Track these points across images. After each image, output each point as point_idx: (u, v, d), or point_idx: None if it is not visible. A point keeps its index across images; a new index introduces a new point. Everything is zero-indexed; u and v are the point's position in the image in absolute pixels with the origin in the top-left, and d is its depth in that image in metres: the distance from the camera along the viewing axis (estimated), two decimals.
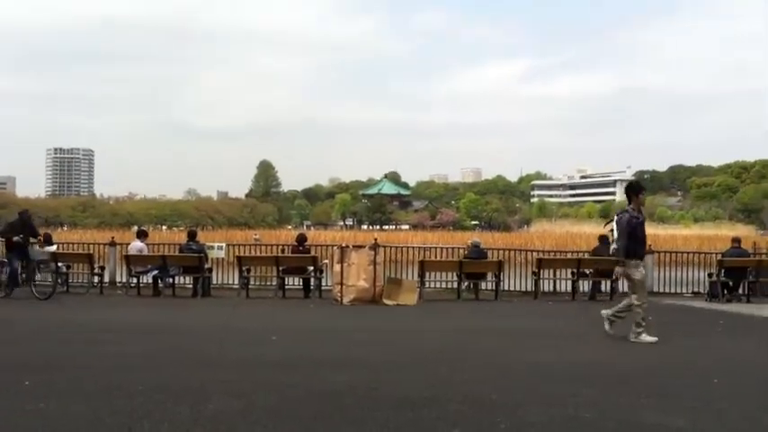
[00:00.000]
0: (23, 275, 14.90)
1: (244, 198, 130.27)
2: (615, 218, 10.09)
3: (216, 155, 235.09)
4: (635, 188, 10.23)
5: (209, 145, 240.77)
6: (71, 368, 7.27)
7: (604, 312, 10.48)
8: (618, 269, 10.15)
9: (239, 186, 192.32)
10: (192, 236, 17.45)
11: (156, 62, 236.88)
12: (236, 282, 17.25)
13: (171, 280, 16.48)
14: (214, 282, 17.46)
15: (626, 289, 11.35)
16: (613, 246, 10.04)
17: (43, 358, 7.83)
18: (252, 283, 16.95)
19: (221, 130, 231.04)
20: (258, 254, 19.26)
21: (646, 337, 9.71)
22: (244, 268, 16.57)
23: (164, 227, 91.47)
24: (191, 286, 16.68)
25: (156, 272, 16.33)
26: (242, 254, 17.89)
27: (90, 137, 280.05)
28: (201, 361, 7.80)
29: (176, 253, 17.31)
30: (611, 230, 10.11)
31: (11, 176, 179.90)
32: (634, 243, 9.77)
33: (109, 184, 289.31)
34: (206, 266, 16.49)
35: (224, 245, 18.39)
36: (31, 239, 15.22)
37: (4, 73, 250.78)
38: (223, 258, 18.19)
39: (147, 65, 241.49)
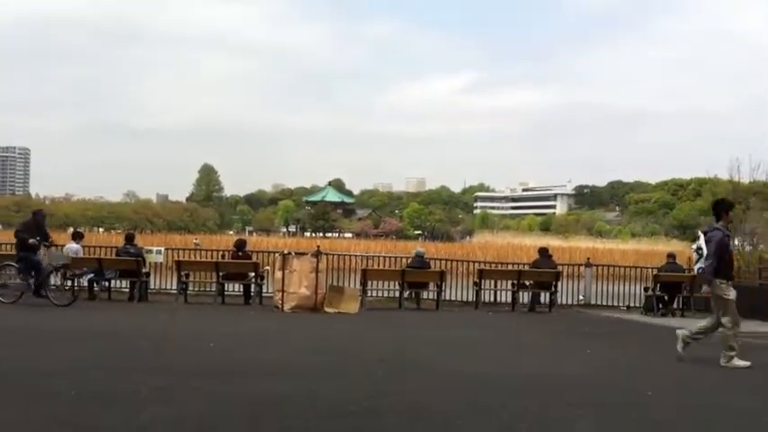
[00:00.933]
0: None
1: (184, 202, 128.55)
2: (703, 235, 9.31)
3: (156, 157, 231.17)
4: (726, 205, 9.48)
5: (150, 147, 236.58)
6: None
7: (680, 332, 9.59)
8: (705, 288, 9.40)
9: (180, 190, 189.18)
10: (129, 239, 17.12)
11: (94, 63, 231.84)
12: (175, 287, 16.94)
13: (107, 284, 16.10)
14: (152, 286, 17.11)
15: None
16: (699, 264, 9.26)
17: None
18: (191, 288, 16.67)
19: (162, 133, 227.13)
20: (198, 259, 18.97)
21: (738, 362, 9.00)
22: (183, 273, 16.28)
23: (101, 229, 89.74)
24: (127, 290, 16.35)
25: (91, 275, 15.93)
26: (181, 258, 17.60)
27: (27, 136, 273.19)
28: (136, 367, 7.62)
29: (113, 256, 16.94)
30: (698, 248, 9.32)
31: None
32: (723, 263, 9.06)
33: (45, 184, 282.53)
34: (144, 270, 16.17)
35: (163, 249, 18.09)
36: (44, 243, 14.54)
37: None
38: (161, 263, 17.87)
39: (86, 65, 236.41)
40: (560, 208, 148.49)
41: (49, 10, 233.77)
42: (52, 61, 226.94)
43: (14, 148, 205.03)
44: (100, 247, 19.84)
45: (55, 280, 14.40)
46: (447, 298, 17.65)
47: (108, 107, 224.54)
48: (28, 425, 5.09)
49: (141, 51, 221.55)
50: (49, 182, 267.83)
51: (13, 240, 15.31)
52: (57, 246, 15.51)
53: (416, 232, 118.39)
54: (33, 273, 14.13)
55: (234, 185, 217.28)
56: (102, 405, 5.71)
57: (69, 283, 15.47)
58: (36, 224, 14.77)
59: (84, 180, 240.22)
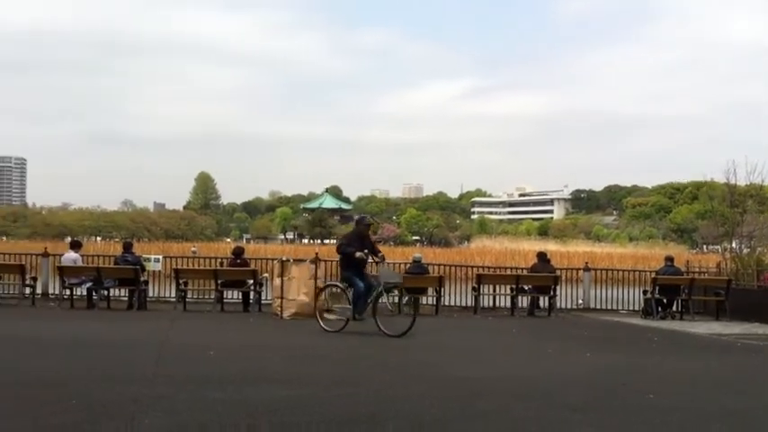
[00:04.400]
0: None
1: (181, 210, 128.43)
2: None
3: (153, 166, 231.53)
4: None
5: (147, 156, 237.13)
6: None
7: None
8: None
9: (177, 198, 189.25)
10: (127, 247, 17.11)
11: (91, 73, 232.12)
12: (173, 295, 16.93)
13: (106, 292, 16.06)
14: (150, 295, 17.11)
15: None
16: None
17: None
18: (189, 296, 16.67)
19: (159, 142, 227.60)
20: (196, 266, 18.97)
21: None
22: (181, 281, 16.28)
23: (98, 238, 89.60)
24: (126, 299, 16.33)
25: (90, 284, 15.91)
26: (179, 266, 17.60)
27: (23, 146, 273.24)
28: (136, 376, 7.60)
29: (111, 265, 16.93)
30: None
31: None
32: None
33: (42, 193, 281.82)
34: (142, 279, 16.15)
35: (161, 257, 18.08)
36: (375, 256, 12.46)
37: None
38: (160, 271, 17.86)
39: (83, 76, 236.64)
40: (558, 212, 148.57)
41: (46, 21, 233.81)
42: (49, 71, 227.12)
43: (11, 157, 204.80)
44: (98, 255, 19.84)
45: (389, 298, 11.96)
46: (446, 303, 17.65)
47: (105, 116, 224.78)
48: None
49: (139, 61, 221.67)
50: (45, 191, 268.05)
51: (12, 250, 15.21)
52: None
53: (414, 238, 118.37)
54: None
55: (231, 193, 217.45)
56: (102, 414, 5.70)
57: (68, 292, 15.48)
58: (359, 235, 12.60)
59: (81, 189, 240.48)
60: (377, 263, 12.43)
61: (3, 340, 10.50)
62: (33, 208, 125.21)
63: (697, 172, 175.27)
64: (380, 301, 11.81)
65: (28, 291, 16.30)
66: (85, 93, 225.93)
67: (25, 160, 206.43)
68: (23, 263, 17.48)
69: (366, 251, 12.01)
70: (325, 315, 12.54)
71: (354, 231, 12.77)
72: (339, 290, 12.61)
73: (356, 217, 13.68)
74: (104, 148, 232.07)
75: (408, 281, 16.79)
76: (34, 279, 16.80)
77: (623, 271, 21.41)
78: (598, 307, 18.60)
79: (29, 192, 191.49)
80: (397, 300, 12.54)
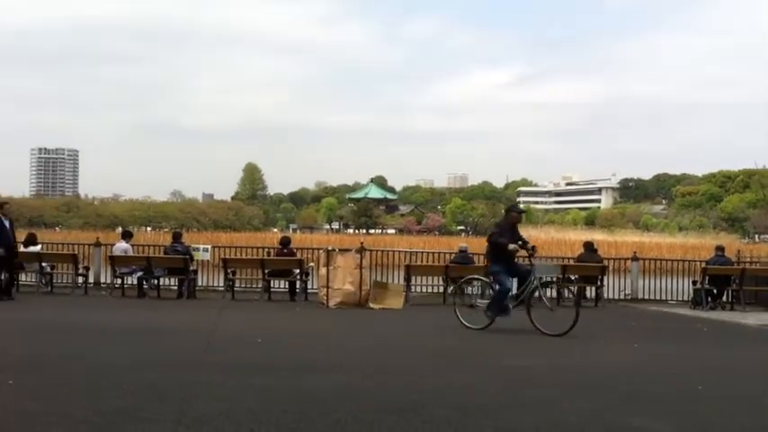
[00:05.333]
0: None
1: (229, 201, 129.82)
2: None
3: (202, 157, 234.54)
4: None
5: (195, 147, 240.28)
6: (54, 368, 7.22)
7: None
8: None
9: (225, 189, 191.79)
10: (177, 237, 17.39)
11: (141, 65, 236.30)
12: (222, 284, 17.18)
13: (156, 281, 16.38)
14: (199, 284, 17.40)
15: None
16: None
17: (27, 359, 7.75)
18: (237, 285, 16.90)
19: (207, 133, 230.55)
20: (244, 256, 19.21)
21: None
22: (229, 270, 16.51)
23: (148, 228, 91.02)
24: (176, 288, 16.61)
25: (140, 273, 16.23)
26: (227, 256, 17.85)
27: (75, 137, 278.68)
28: (186, 363, 7.76)
29: (161, 254, 17.22)
30: None
31: None
32: None
33: (94, 184, 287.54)
34: (191, 268, 16.41)
35: (209, 247, 18.32)
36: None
37: None
38: (208, 260, 18.11)
39: (133, 68, 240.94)
40: (605, 202, 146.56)
41: (96, 14, 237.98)
42: (100, 64, 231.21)
43: (63, 149, 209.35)
44: (148, 245, 20.18)
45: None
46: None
47: (155, 108, 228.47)
48: (85, 419, 5.23)
49: (187, 52, 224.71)
50: (97, 183, 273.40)
51: (65, 240, 15.50)
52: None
53: (459, 228, 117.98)
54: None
55: (277, 184, 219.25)
56: (155, 399, 5.84)
57: (119, 281, 15.77)
58: (511, 224, 11.65)
59: (131, 180, 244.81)
60: (530, 256, 11.40)
61: (58, 328, 10.79)
62: (85, 199, 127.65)
63: (748, 160, 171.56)
64: (535, 296, 10.97)
65: (81, 280, 16.69)
66: (135, 85, 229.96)
67: (77, 152, 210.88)
68: (76, 252, 17.90)
69: (520, 242, 11.17)
70: (467, 310, 11.64)
71: (506, 220, 11.75)
72: (483, 284, 11.99)
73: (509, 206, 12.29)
74: (154, 140, 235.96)
75: (454, 270, 16.82)
76: (86, 268, 17.21)
77: (672, 261, 21.06)
78: (646, 297, 18.36)
79: (81, 183, 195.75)
80: (553, 294, 11.49)
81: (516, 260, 11.40)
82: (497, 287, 11.16)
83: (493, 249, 11.32)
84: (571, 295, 11.35)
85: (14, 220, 15.52)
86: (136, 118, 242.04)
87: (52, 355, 8.12)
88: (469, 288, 12.52)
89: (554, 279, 11.53)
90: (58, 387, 6.22)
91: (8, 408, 5.45)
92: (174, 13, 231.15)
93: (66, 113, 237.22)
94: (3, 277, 14.17)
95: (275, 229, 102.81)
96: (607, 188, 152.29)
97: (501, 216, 11.35)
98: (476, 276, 13.07)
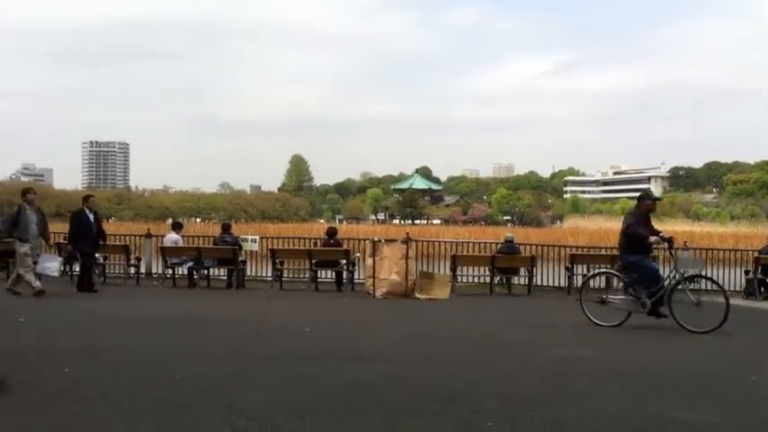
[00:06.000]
0: None
1: (276, 192, 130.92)
2: None
3: (249, 149, 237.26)
4: None
5: (243, 139, 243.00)
6: (109, 357, 7.40)
7: None
8: None
9: (272, 180, 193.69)
10: (226, 228, 17.59)
11: (191, 60, 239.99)
12: (270, 274, 17.37)
13: (206, 272, 16.64)
14: (248, 274, 17.61)
15: None
16: None
17: (80, 348, 7.95)
18: (285, 275, 17.07)
19: (254, 125, 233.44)
20: (291, 247, 19.38)
21: None
22: (277, 261, 16.69)
23: (198, 219, 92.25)
24: (225, 278, 16.85)
25: (191, 263, 16.50)
26: (275, 247, 18.03)
27: (126, 131, 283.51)
28: (235, 352, 7.88)
29: (211, 245, 17.47)
30: None
31: (48, 169, 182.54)
32: None
33: (144, 177, 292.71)
34: (240, 259, 16.62)
35: (257, 237, 18.50)
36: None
37: (43, 70, 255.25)
38: (256, 251, 18.30)
39: (183, 63, 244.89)
40: (655, 191, 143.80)
41: (145, 11, 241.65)
42: (150, 59, 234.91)
43: (114, 143, 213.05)
44: (198, 236, 20.49)
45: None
46: (538, 283, 17.50)
47: (203, 102, 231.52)
48: (137, 408, 5.37)
49: (232, 47, 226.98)
50: (147, 175, 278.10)
51: (117, 231, 15.73)
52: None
53: (505, 218, 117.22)
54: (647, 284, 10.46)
55: (323, 175, 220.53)
56: (204, 388, 5.95)
57: (170, 272, 16.02)
58: (646, 214, 10.91)
59: (180, 173, 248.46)
60: (670, 249, 10.74)
61: (110, 318, 11.03)
62: (136, 191, 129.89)
63: None
64: (678, 291, 10.30)
65: (132, 270, 17.03)
66: (185, 79, 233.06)
67: (128, 145, 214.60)
68: (128, 243, 18.25)
69: (660, 235, 10.51)
70: (596, 306, 10.91)
71: (639, 209, 10.92)
72: (615, 278, 11.44)
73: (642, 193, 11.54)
74: (202, 133, 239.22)
75: (500, 260, 16.76)
76: (138, 259, 17.53)
77: (724, 250, 20.67)
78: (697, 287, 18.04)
79: (132, 175, 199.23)
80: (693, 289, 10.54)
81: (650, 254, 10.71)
82: (645, 276, 10.44)
83: (628, 241, 10.57)
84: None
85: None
86: (185, 112, 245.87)
87: (104, 344, 8.31)
88: (604, 282, 11.66)
89: (699, 273, 10.83)
90: (111, 376, 6.38)
91: (65, 395, 5.62)
92: (217, 10, 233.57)
93: (117, 109, 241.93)
94: (89, 271, 14.49)
95: (321, 220, 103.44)
96: (656, 177, 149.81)
97: (633, 207, 10.57)
98: (605, 270, 12.46)
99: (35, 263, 13.51)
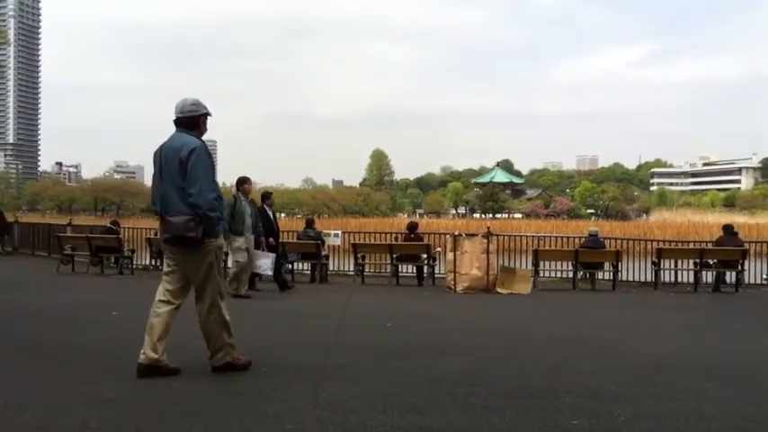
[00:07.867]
0: None
1: (358, 187, 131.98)
2: None
3: (331, 144, 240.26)
4: None
5: (325, 135, 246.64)
6: (195, 351, 7.61)
7: None
8: None
9: (353, 175, 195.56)
10: (309, 223, 17.86)
11: (276, 58, 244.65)
12: (352, 268, 17.56)
13: (290, 266, 16.93)
14: (331, 268, 17.84)
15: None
16: None
17: (171, 340, 8.19)
18: (367, 269, 17.23)
19: (336, 120, 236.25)
20: (372, 241, 19.54)
21: None
22: (359, 255, 16.86)
23: (282, 214, 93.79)
24: (309, 272, 17.12)
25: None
26: (357, 241, 18.22)
27: (214, 129, 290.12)
28: (319, 345, 8.01)
29: (295, 240, 17.77)
30: None
31: (140, 166, 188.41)
32: None
33: (231, 173, 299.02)
34: (323, 253, 16.86)
35: (340, 232, 18.73)
36: None
37: (135, 69, 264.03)
38: (339, 245, 18.53)
39: (268, 60, 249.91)
40: (746, 182, 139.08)
41: (232, 10, 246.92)
42: (237, 57, 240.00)
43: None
44: (283, 231, 20.80)
45: None
46: (624, 279, 17.16)
47: (287, 99, 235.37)
48: (222, 399, 5.54)
49: (314, 43, 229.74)
50: (233, 171, 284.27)
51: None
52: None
53: (589, 211, 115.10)
54: None
55: (404, 169, 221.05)
56: (290, 381, 6.08)
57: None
58: None
59: (265, 168, 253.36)
60: None
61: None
62: (223, 187, 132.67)
63: None
64: None
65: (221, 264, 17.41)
66: (268, 76, 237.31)
67: (215, 142, 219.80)
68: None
69: None
70: None
71: None
72: None
73: None
74: (286, 129, 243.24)
75: (584, 255, 16.51)
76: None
77: None
78: None
79: (219, 171, 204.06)
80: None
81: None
82: None
83: None
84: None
85: None
86: (269, 108, 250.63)
87: (193, 336, 8.56)
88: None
89: None
90: (200, 367, 6.58)
91: (156, 387, 5.83)
92: (302, 9, 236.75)
93: (209, 105, 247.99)
94: (282, 268, 14.54)
95: (402, 215, 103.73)
96: (748, 168, 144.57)
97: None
98: None
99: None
